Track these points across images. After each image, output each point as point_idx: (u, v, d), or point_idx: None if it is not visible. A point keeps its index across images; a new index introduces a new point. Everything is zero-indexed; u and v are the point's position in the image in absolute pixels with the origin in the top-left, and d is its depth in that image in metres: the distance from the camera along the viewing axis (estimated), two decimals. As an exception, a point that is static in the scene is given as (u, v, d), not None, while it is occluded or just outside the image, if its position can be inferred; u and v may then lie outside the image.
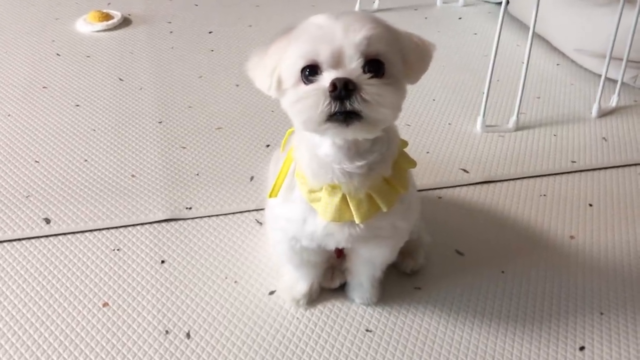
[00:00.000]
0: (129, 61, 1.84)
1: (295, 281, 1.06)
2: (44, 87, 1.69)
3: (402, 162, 0.88)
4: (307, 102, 0.73)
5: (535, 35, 1.47)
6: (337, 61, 0.73)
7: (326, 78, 0.72)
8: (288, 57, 0.76)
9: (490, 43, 1.95)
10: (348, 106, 0.71)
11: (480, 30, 2.08)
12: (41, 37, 1.96)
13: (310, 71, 0.74)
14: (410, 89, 1.68)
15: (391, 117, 0.76)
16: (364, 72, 0.73)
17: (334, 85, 0.71)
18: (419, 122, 1.58)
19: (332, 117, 0.72)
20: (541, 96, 1.71)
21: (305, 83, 0.75)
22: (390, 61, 0.75)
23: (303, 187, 0.86)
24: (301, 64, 0.74)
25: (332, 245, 0.93)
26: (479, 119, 1.55)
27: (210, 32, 2.02)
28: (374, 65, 0.74)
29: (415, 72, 0.81)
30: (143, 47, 1.92)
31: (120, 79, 1.74)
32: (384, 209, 0.85)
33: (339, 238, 0.89)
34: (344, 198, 0.83)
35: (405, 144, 0.91)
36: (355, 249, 0.98)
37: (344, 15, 0.75)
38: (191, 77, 1.76)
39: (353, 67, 0.72)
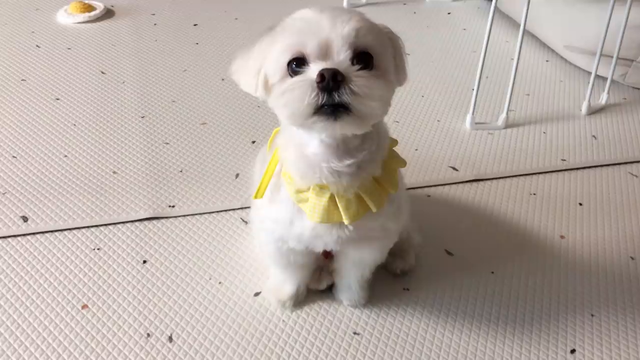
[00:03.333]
0: (111, 54, 1.79)
1: (281, 283, 1.03)
2: (22, 80, 1.64)
3: (392, 162, 0.85)
4: (294, 94, 0.70)
5: (524, 31, 1.45)
6: (324, 53, 0.70)
7: (313, 69, 0.70)
8: (273, 53, 0.73)
9: (479, 39, 1.93)
10: (336, 98, 0.69)
11: (469, 25, 2.06)
12: (20, 28, 1.90)
13: (297, 64, 0.71)
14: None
15: (380, 111, 0.73)
16: (353, 64, 0.70)
17: (321, 75, 0.68)
18: (408, 119, 1.56)
19: (319, 110, 0.70)
20: (530, 93, 1.70)
21: (291, 76, 0.72)
22: (378, 54, 0.73)
23: (290, 187, 0.83)
24: (287, 56, 0.72)
25: (320, 248, 0.90)
26: (468, 116, 1.53)
27: (195, 25, 1.98)
28: (362, 58, 0.71)
29: (396, 76, 0.79)
30: (126, 39, 1.88)
31: (102, 72, 1.70)
32: (374, 210, 0.83)
33: (327, 240, 0.86)
34: (332, 198, 0.81)
35: (395, 142, 0.88)
36: (344, 250, 0.95)
37: (329, 8, 0.73)
38: (175, 70, 1.72)
39: (341, 58, 0.70)
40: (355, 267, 0.99)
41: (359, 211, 0.83)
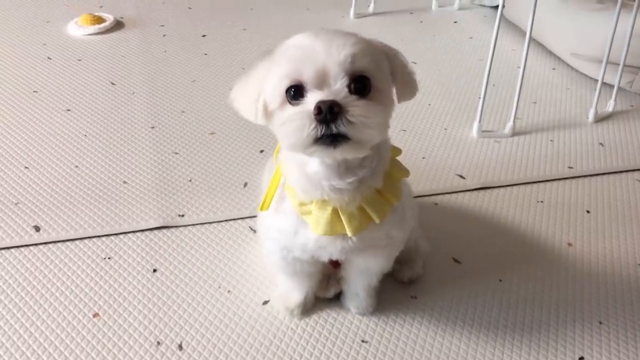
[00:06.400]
0: (121, 65, 1.81)
1: (289, 291, 1.04)
2: (34, 92, 1.67)
3: (394, 172, 0.86)
4: (293, 125, 0.71)
5: (531, 39, 1.45)
6: (321, 81, 0.71)
7: (311, 100, 0.71)
8: (271, 80, 0.74)
9: (485, 47, 1.93)
10: (334, 129, 0.70)
11: (475, 34, 2.07)
12: (32, 40, 1.93)
13: (295, 91, 0.72)
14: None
15: (378, 137, 0.75)
16: (350, 90, 0.71)
17: (318, 108, 0.69)
18: (415, 127, 1.56)
19: (319, 140, 0.71)
20: (537, 101, 1.70)
21: (290, 103, 0.73)
22: (375, 77, 0.73)
23: (294, 199, 0.84)
24: (285, 84, 0.73)
25: (325, 257, 0.91)
26: (475, 124, 1.54)
27: (203, 36, 2.00)
28: (359, 82, 0.72)
29: (402, 90, 0.80)
30: (135, 50, 1.90)
31: (112, 83, 1.72)
32: (377, 221, 0.84)
33: (331, 250, 0.87)
34: (335, 211, 0.82)
35: (398, 151, 0.89)
36: (350, 258, 0.96)
37: (323, 32, 0.73)
38: (184, 81, 1.74)
39: (338, 87, 0.71)
40: (362, 275, 1.00)
41: (362, 223, 0.84)
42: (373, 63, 0.73)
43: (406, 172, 0.88)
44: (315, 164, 0.79)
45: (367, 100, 0.72)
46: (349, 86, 0.71)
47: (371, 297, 1.04)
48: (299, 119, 0.71)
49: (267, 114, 0.77)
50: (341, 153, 0.73)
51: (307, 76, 0.71)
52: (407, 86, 0.80)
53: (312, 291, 1.05)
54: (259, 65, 0.78)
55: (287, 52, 0.74)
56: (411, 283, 1.10)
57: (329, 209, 0.81)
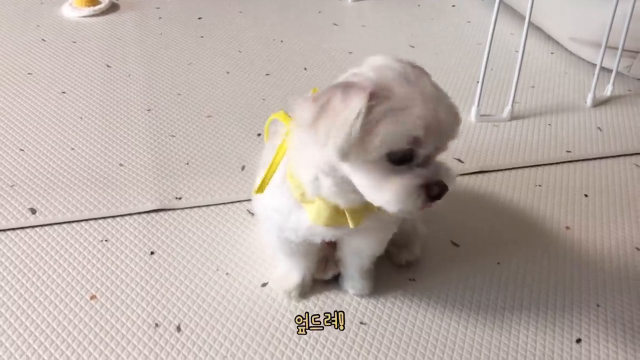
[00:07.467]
0: (117, 47, 1.80)
1: (287, 272, 1.04)
2: (29, 74, 1.65)
3: None
4: (400, 194, 0.72)
5: (529, 23, 1.44)
6: (434, 151, 0.73)
7: (423, 174, 0.72)
8: (383, 130, 0.68)
9: (484, 31, 1.93)
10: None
11: (474, 18, 2.06)
12: (26, 22, 1.91)
13: (407, 154, 0.71)
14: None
15: None
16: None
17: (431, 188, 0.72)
18: (413, 111, 1.56)
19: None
20: (536, 85, 1.69)
21: (390, 161, 0.72)
22: None
23: (296, 190, 0.83)
24: (399, 146, 0.70)
25: (317, 240, 0.92)
26: (474, 109, 1.53)
27: (199, 18, 1.98)
28: None
29: None
30: (131, 33, 1.88)
31: (108, 66, 1.70)
32: (377, 211, 0.83)
33: (324, 235, 0.88)
34: (337, 205, 0.82)
35: None
36: (345, 239, 0.97)
37: (435, 90, 0.74)
38: (180, 63, 1.72)
39: (435, 157, 0.74)
40: (355, 257, 1.00)
41: (364, 215, 0.84)
42: None
43: None
44: (330, 184, 0.78)
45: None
46: None
47: (366, 279, 1.04)
48: (412, 189, 0.72)
49: (354, 155, 0.71)
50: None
51: (425, 149, 0.71)
52: None
53: (310, 273, 1.05)
54: (349, 97, 0.69)
55: (411, 107, 0.69)
56: (409, 266, 1.10)
57: (332, 204, 0.82)
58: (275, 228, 0.93)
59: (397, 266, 1.10)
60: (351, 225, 0.83)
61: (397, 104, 0.69)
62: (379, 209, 0.80)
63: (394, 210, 0.73)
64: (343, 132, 0.68)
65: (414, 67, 0.75)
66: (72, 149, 1.38)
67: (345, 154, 0.70)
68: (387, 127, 0.68)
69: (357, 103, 0.68)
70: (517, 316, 1.03)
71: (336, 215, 0.82)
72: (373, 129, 0.68)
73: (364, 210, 0.83)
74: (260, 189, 0.87)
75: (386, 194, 0.72)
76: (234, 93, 1.60)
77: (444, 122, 0.71)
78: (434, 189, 0.72)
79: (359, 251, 0.99)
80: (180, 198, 1.24)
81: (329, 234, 0.88)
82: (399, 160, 0.71)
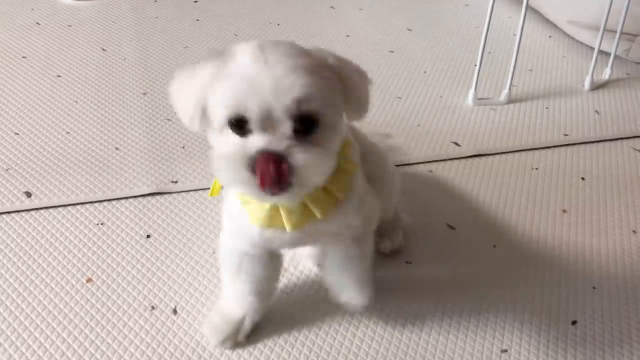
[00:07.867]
0: (112, 31, 1.78)
1: (229, 303, 0.94)
2: (23, 57, 1.64)
3: (342, 167, 0.78)
4: (230, 165, 0.66)
5: (527, 6, 1.43)
6: (266, 119, 0.66)
7: (253, 143, 0.66)
8: (215, 97, 0.68)
9: (481, 14, 1.91)
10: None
11: (471, 1, 2.04)
12: (20, 5, 1.89)
13: (237, 124, 0.67)
14: (401, 61, 1.65)
15: (321, 181, 0.70)
16: (295, 129, 0.66)
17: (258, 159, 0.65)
18: (410, 95, 1.55)
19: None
20: (533, 69, 1.69)
21: (231, 130, 0.68)
22: (325, 113, 0.68)
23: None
24: (227, 114, 0.67)
25: (278, 248, 0.87)
26: (471, 92, 1.53)
27: (195, 1, 1.97)
28: (307, 123, 0.67)
29: (352, 113, 0.75)
30: (126, 16, 1.86)
31: (103, 49, 1.69)
32: (319, 216, 0.77)
33: (280, 242, 0.82)
34: (274, 204, 0.76)
35: (348, 144, 0.82)
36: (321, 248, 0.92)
37: (274, 59, 0.66)
38: (176, 47, 1.71)
39: (282, 131, 0.66)
40: (346, 261, 0.91)
41: (303, 218, 0.77)
42: (323, 100, 0.67)
43: (354, 167, 0.82)
44: None
45: (313, 143, 0.67)
46: (294, 126, 0.66)
47: (365, 287, 0.94)
48: (238, 161, 0.66)
49: (204, 123, 0.71)
50: (277, 200, 0.69)
51: (250, 112, 0.65)
52: (357, 112, 0.75)
53: (256, 314, 0.94)
54: (206, 67, 0.70)
55: (231, 79, 0.66)
56: (394, 254, 1.09)
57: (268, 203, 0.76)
58: (231, 236, 0.87)
59: (382, 254, 1.08)
60: (287, 228, 0.77)
61: (227, 72, 0.67)
62: (320, 212, 0.76)
63: (226, 182, 0.69)
64: (185, 91, 0.72)
65: (277, 42, 0.70)
66: (68, 132, 1.37)
67: (191, 119, 0.71)
68: (217, 90, 0.68)
69: (200, 73, 0.71)
70: (513, 297, 1.03)
71: (273, 215, 0.77)
72: (207, 98, 0.70)
73: (302, 212, 0.76)
74: (215, 191, 0.82)
75: (212, 162, 0.68)
76: (230, 77, 1.59)
77: (266, 90, 0.64)
78: (259, 160, 0.64)
79: (347, 254, 0.90)
80: (176, 182, 1.24)
81: (285, 240, 0.81)
82: (237, 127, 0.67)
